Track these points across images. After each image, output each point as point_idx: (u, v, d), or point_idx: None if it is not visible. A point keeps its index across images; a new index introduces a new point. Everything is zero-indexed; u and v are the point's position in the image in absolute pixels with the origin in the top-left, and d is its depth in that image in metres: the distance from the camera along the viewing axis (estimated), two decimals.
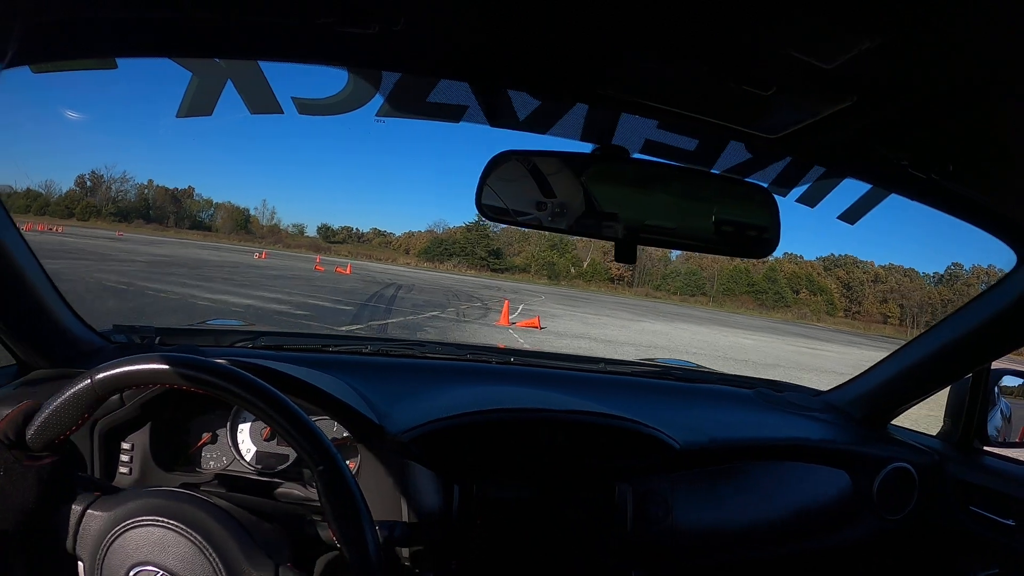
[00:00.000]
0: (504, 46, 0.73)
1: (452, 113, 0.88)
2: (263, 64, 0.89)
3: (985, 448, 1.37)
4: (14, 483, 0.67)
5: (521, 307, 17.59)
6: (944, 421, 1.43)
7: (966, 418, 1.36)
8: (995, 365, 1.33)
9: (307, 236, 68.16)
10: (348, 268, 26.16)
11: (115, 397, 0.98)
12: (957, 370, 1.29)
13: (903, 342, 1.42)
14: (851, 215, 1.13)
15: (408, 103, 0.88)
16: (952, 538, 1.30)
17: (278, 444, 1.08)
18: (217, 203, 68.33)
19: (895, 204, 1.07)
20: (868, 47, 0.57)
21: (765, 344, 17.25)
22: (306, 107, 0.93)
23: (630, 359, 1.73)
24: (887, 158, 0.86)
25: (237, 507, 0.75)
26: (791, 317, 51.21)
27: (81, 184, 63.06)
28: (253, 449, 1.07)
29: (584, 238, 0.83)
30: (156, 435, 1.02)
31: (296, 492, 1.03)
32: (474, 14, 0.68)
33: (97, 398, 0.71)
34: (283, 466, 1.06)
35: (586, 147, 0.91)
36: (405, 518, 0.97)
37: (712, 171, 0.94)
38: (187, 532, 0.73)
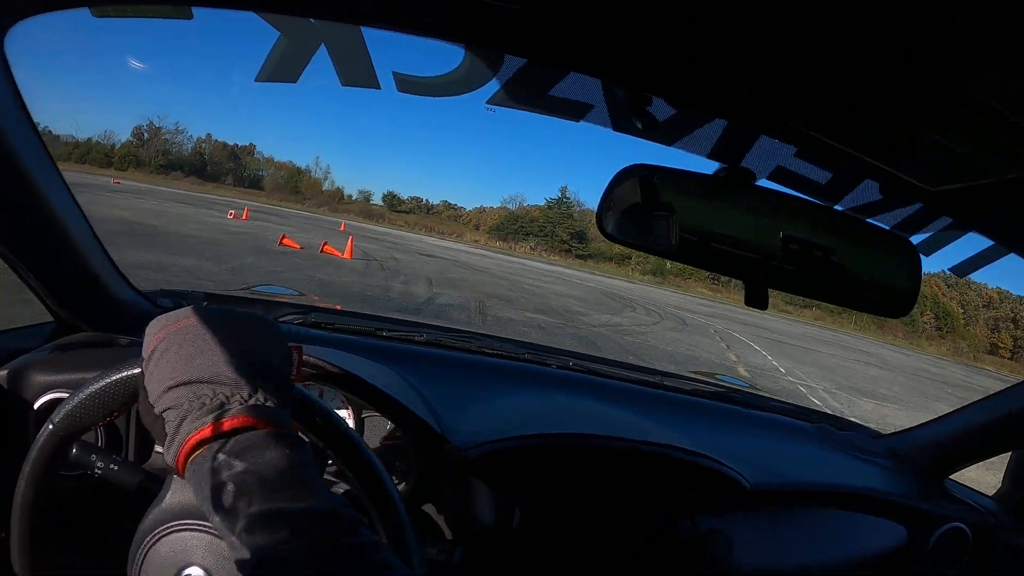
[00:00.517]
0: (664, 50, 0.64)
1: (574, 111, 0.79)
2: (364, 31, 0.80)
3: None
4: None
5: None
6: (1003, 482, 1.38)
7: None
8: None
9: (373, 204, 64.48)
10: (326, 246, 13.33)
11: None
12: None
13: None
14: (963, 269, 1.05)
15: (528, 93, 0.79)
16: None
17: None
18: (278, 162, 65.44)
19: None
20: None
21: None
22: (408, 84, 0.83)
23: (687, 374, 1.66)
24: None
25: None
26: (945, 352, 41.32)
27: (138, 135, 61.37)
28: None
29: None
30: None
31: (340, 488, 0.98)
32: (632, 7, 0.59)
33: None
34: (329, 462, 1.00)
35: (709, 165, 0.83)
36: (459, 536, 0.92)
37: (847, 212, 0.85)
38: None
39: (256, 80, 0.87)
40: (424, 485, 0.95)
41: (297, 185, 62.77)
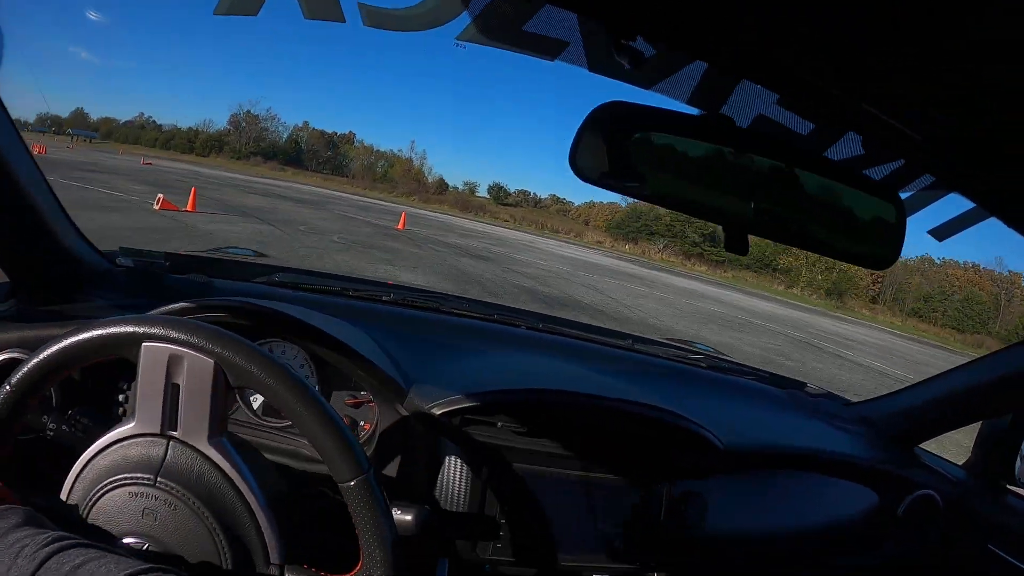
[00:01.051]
0: None
1: (548, 48, 0.76)
2: None
3: (1010, 487, 1.33)
4: None
5: None
6: (973, 452, 1.39)
7: (998, 454, 1.32)
8: None
9: (477, 196, 60.80)
10: None
11: None
12: (1010, 406, 1.23)
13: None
14: (943, 232, 1.04)
15: (499, 28, 0.75)
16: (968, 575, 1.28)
17: None
18: (378, 151, 62.72)
19: None
20: None
21: None
22: (375, 17, 0.79)
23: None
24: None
25: (260, 483, 0.66)
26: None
27: (235, 124, 61.57)
28: (260, 398, 0.98)
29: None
30: None
31: (305, 451, 0.94)
32: None
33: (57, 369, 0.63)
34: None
35: (689, 111, 0.80)
36: (426, 497, 0.89)
37: (831, 158, 0.83)
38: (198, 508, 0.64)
39: (215, 13, 0.83)
40: (389, 444, 0.92)
41: (385, 174, 60.51)
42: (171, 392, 0.64)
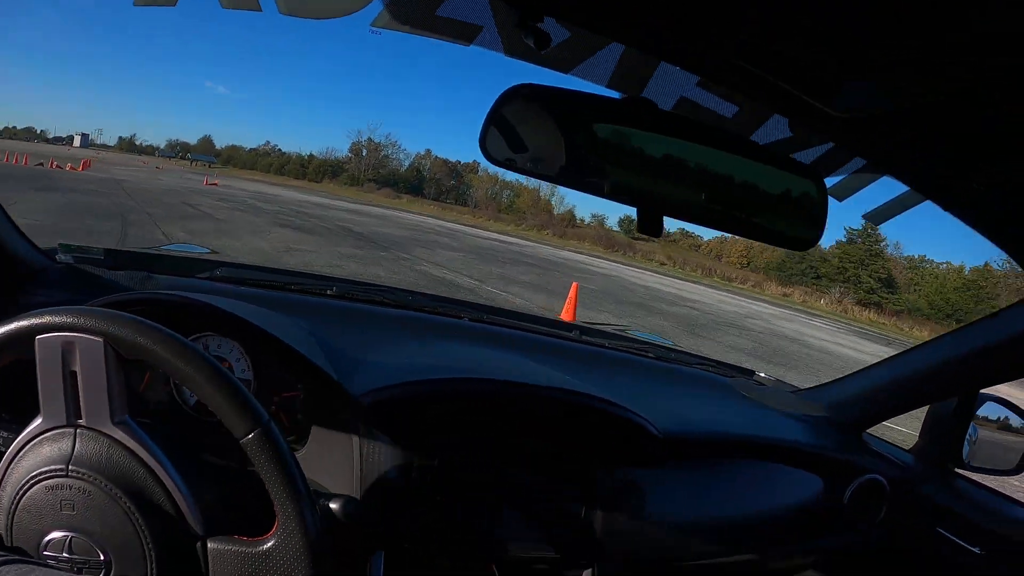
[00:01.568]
0: None
1: (463, 32, 0.75)
2: None
3: (958, 471, 1.35)
4: None
5: None
6: (920, 437, 1.40)
7: (944, 439, 1.33)
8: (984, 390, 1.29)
9: (606, 227, 53.22)
10: None
11: None
12: (954, 390, 1.24)
13: None
14: (878, 216, 1.05)
15: (412, 13, 0.75)
16: (917, 559, 1.29)
17: None
18: (504, 180, 57.74)
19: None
20: None
21: None
22: (291, 5, 0.78)
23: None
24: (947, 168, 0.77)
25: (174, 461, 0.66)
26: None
27: (357, 151, 62.89)
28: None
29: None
30: None
31: None
32: None
33: None
34: None
35: (610, 94, 0.79)
36: (357, 489, 0.87)
37: (753, 142, 0.83)
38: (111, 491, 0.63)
39: (135, 4, 0.82)
40: (320, 436, 0.90)
41: (513, 203, 56.45)
42: (70, 380, 0.64)
